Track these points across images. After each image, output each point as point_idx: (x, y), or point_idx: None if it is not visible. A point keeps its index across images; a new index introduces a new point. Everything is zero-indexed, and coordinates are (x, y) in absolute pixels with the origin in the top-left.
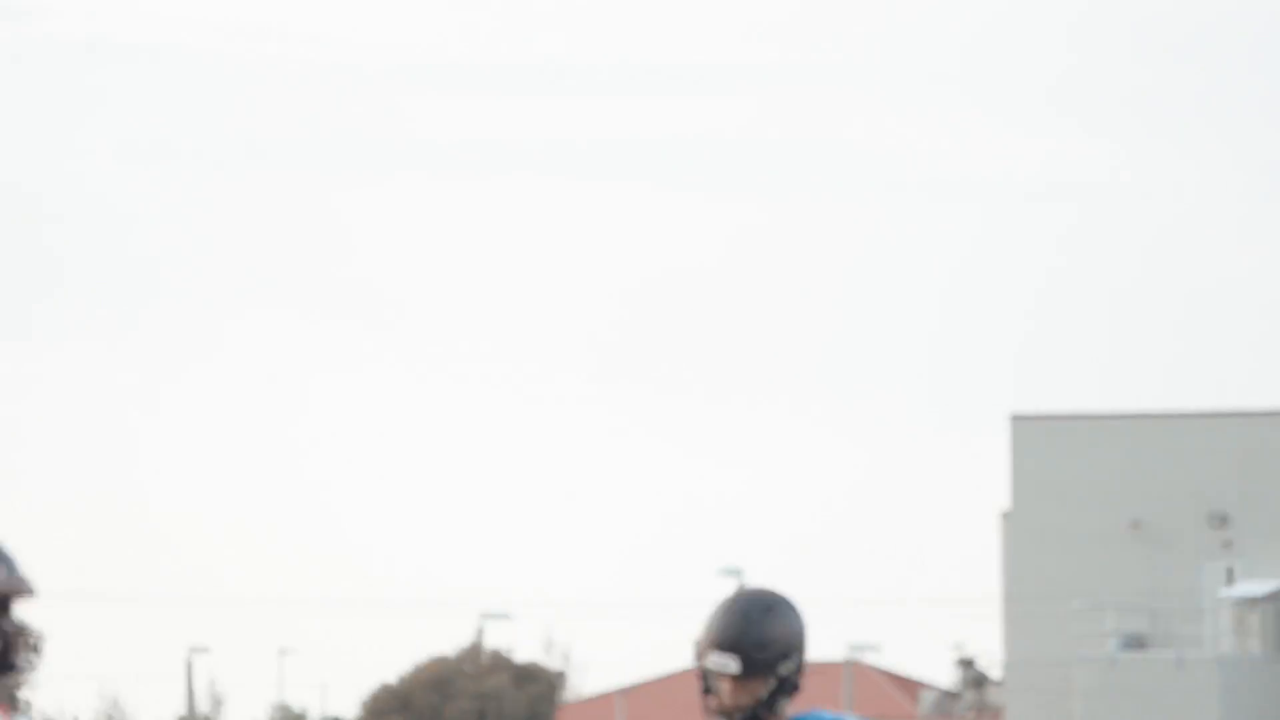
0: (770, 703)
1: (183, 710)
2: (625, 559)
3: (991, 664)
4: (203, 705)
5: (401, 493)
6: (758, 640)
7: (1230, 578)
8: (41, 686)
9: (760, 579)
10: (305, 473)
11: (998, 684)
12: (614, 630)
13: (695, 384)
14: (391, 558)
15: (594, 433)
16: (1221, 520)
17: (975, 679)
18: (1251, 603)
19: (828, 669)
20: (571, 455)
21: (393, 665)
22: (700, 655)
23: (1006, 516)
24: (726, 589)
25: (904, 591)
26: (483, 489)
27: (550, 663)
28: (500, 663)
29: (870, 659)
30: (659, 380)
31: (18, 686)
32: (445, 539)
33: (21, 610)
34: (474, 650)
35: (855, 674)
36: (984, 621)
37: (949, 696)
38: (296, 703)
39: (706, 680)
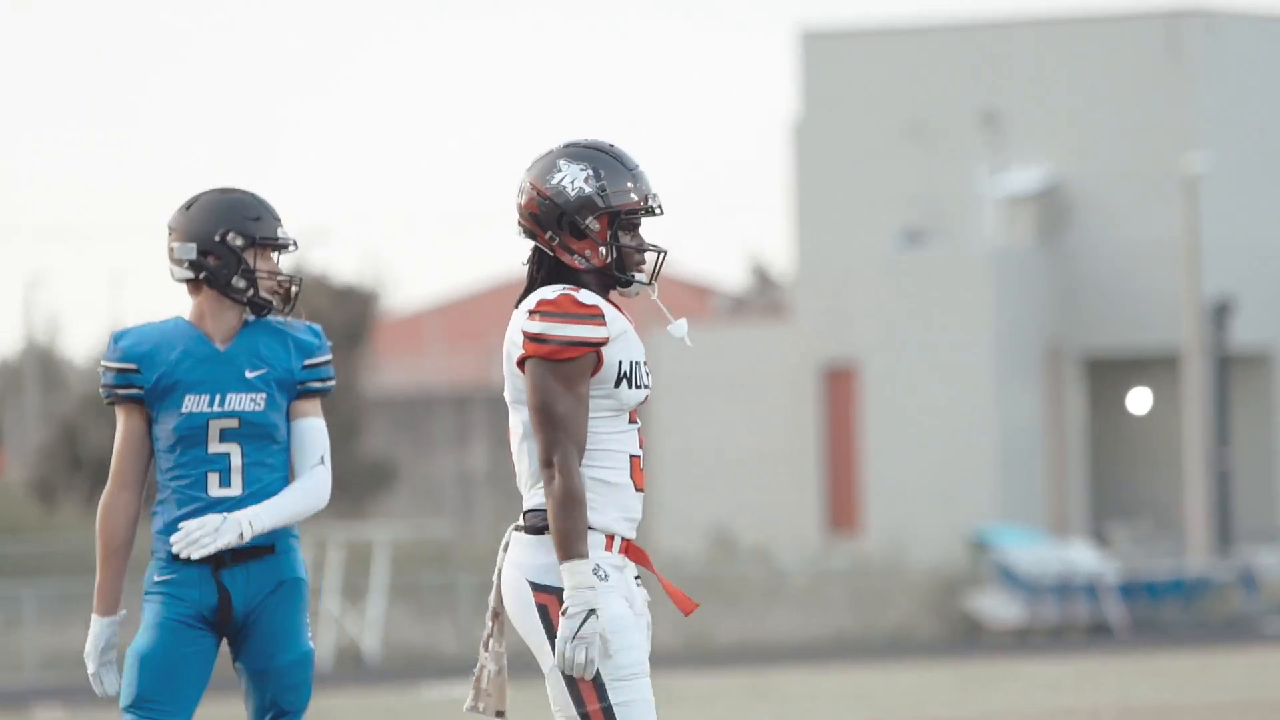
0: None
1: (21, 339)
2: (436, 175)
3: (781, 269)
4: (40, 334)
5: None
6: None
7: (1000, 176)
8: None
9: None
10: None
11: (785, 287)
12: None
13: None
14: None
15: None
16: (992, 122)
17: (765, 282)
18: (1020, 199)
19: None
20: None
21: None
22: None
23: (796, 128)
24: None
25: (697, 202)
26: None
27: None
28: (319, 284)
29: (665, 270)
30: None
31: None
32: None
33: None
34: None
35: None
36: (773, 230)
37: (740, 301)
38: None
39: None
